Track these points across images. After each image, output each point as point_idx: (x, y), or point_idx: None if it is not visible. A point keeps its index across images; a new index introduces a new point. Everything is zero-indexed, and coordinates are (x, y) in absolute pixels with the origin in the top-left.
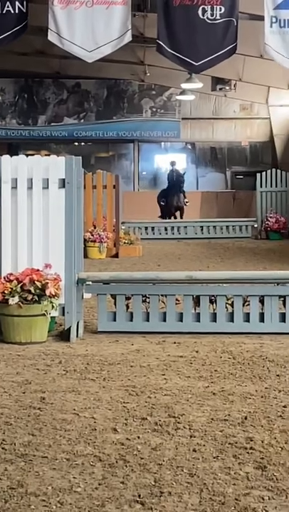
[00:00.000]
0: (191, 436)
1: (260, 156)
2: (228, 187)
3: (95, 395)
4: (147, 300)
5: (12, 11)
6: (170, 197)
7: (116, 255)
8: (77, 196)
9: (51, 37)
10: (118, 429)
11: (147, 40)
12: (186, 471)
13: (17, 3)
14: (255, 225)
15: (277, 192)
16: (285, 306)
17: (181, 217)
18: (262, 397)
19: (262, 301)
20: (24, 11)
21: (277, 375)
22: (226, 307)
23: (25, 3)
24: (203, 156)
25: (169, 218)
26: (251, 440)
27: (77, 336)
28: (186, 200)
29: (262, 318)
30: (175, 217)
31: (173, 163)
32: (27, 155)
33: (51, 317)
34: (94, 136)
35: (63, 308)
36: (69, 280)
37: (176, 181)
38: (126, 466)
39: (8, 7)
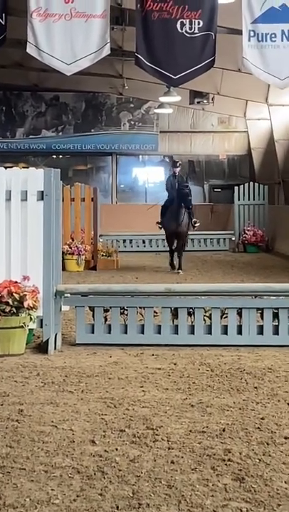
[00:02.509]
0: (169, 448)
1: (238, 170)
2: (206, 200)
3: (73, 407)
4: (125, 312)
5: None
6: (168, 217)
7: (94, 268)
8: (55, 209)
9: (30, 50)
10: (96, 441)
11: (126, 53)
12: (164, 482)
13: None
14: (233, 238)
15: (254, 205)
16: (262, 318)
17: (180, 248)
18: (240, 409)
19: (240, 314)
20: (3, 23)
21: (255, 387)
22: (204, 319)
23: (4, 15)
24: (181, 169)
25: (170, 250)
26: (229, 452)
27: (55, 348)
28: (194, 220)
29: (240, 331)
30: (173, 251)
31: (175, 164)
32: (5, 167)
33: (29, 329)
34: (72, 149)
35: (41, 320)
36: (47, 292)
37: (178, 192)
38: (104, 478)
39: None
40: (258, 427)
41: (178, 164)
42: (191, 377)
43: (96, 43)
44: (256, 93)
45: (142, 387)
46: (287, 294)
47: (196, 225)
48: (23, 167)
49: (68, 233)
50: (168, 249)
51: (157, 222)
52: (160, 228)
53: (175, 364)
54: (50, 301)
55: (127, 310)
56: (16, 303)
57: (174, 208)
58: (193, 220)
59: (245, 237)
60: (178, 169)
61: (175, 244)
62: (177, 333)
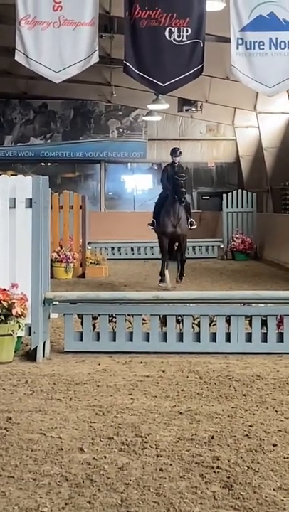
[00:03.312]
0: (157, 456)
1: (227, 177)
2: (195, 207)
3: (61, 414)
4: (114, 320)
5: None
6: (163, 215)
7: (82, 275)
8: (44, 216)
9: (18, 57)
10: (85, 449)
11: (114, 61)
12: (152, 490)
13: None
14: (221, 246)
15: (243, 212)
16: (251, 326)
17: (182, 253)
18: (228, 416)
19: (228, 321)
20: None
21: (244, 395)
22: (193, 327)
23: None
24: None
25: (170, 255)
26: (218, 459)
27: (43, 356)
28: (190, 220)
29: (228, 338)
30: (173, 254)
31: (175, 152)
32: None
33: (17, 337)
34: (60, 157)
35: (30, 328)
36: (36, 300)
37: (173, 185)
38: (93, 485)
39: None
40: (247, 435)
41: (178, 152)
42: (179, 385)
43: (84, 50)
44: (244, 101)
45: (130, 394)
46: (275, 302)
47: (193, 226)
48: (12, 174)
49: (57, 241)
50: (160, 256)
51: (149, 224)
52: (152, 227)
53: (164, 371)
54: (38, 309)
55: (115, 317)
56: (4, 310)
57: (169, 204)
58: (190, 220)
59: (233, 244)
60: (178, 158)
61: (174, 249)
62: (166, 341)
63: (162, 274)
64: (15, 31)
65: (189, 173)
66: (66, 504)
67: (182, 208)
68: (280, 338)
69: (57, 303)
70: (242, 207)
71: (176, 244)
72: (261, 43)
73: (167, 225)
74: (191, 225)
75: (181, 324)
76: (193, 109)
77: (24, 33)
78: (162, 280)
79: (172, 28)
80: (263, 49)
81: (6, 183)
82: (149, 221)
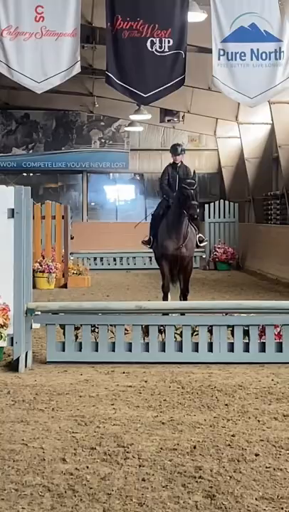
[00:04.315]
0: (140, 466)
1: (208, 187)
2: None
3: (43, 425)
4: (96, 330)
5: None
6: (163, 231)
7: (65, 286)
8: (26, 226)
9: (0, 67)
10: (67, 459)
11: (96, 71)
12: (135, 500)
13: None
14: (204, 256)
15: (225, 223)
16: (233, 335)
17: (186, 284)
18: (211, 426)
19: (210, 331)
20: None
21: (226, 405)
22: (175, 337)
23: None
24: (151, 187)
25: (165, 281)
26: (200, 469)
27: (25, 366)
28: (199, 235)
29: (210, 348)
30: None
31: (176, 150)
32: None
33: None
34: (42, 167)
35: (12, 338)
36: (18, 310)
37: (181, 196)
38: (75, 496)
39: None
40: (229, 444)
41: (179, 150)
42: (162, 395)
43: (66, 61)
44: (226, 111)
45: (112, 404)
46: (257, 312)
47: (203, 243)
48: None
49: (39, 251)
50: (161, 281)
51: (144, 242)
52: (148, 245)
53: (146, 381)
54: (20, 319)
55: (97, 328)
56: None
57: (173, 217)
58: (199, 235)
59: (215, 254)
60: (180, 157)
61: (175, 276)
62: (148, 351)
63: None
64: None
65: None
66: None
67: (188, 221)
68: (262, 348)
69: (39, 313)
70: (224, 217)
71: (178, 268)
72: (243, 54)
73: (168, 245)
74: (201, 242)
75: (163, 334)
76: (176, 119)
77: (6, 44)
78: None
79: (154, 39)
80: (245, 60)
81: None
82: (139, 235)
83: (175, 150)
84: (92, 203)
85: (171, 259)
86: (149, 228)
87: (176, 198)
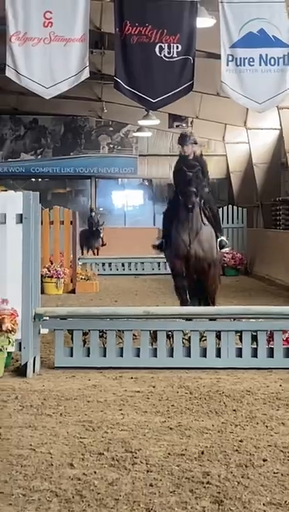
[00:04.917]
0: (147, 471)
1: (217, 193)
2: None
3: (51, 430)
4: (104, 335)
5: None
6: (174, 229)
7: (73, 291)
8: (34, 232)
9: (9, 73)
10: (75, 465)
11: (105, 76)
12: (142, 505)
13: None
14: None
15: (233, 228)
16: (241, 341)
17: (209, 295)
18: (218, 431)
19: (218, 337)
20: None
21: (234, 410)
22: (183, 342)
23: None
24: (160, 193)
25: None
26: (208, 475)
27: (33, 372)
28: (220, 239)
29: (218, 354)
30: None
31: (184, 140)
32: None
33: (7, 352)
34: (51, 172)
35: (20, 343)
36: (26, 315)
37: (181, 183)
38: (82, 501)
39: None
40: (237, 450)
41: (188, 139)
42: (170, 400)
43: (75, 66)
44: (235, 117)
45: (120, 410)
46: (265, 317)
47: (225, 249)
48: (2, 190)
49: (47, 256)
50: (174, 291)
51: (154, 246)
52: (159, 247)
53: (154, 387)
54: (28, 324)
55: (105, 333)
56: None
57: (180, 210)
58: (221, 238)
59: (224, 260)
60: (189, 148)
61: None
62: (156, 356)
63: None
64: (5, 47)
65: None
66: None
67: (200, 216)
68: (270, 353)
69: (47, 318)
70: (232, 222)
71: (195, 275)
72: (251, 60)
73: (177, 243)
74: (222, 247)
75: (171, 339)
76: (184, 125)
77: (15, 49)
78: None
79: (162, 45)
80: (253, 65)
81: None
82: (147, 240)
83: (184, 140)
84: (101, 209)
85: (183, 259)
86: (162, 227)
87: (180, 189)
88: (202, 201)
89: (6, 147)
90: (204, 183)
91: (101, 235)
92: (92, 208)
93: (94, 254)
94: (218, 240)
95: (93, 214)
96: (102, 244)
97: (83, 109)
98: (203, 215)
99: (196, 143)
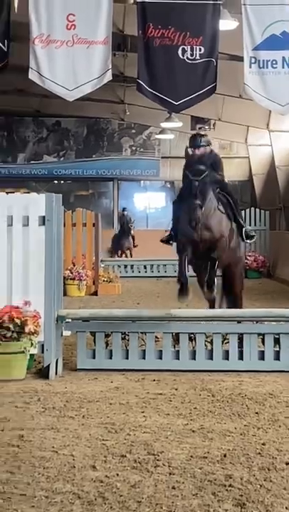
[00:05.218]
0: (170, 474)
1: (239, 195)
2: None
3: (74, 432)
4: (127, 338)
5: None
6: (181, 215)
7: (95, 293)
8: (57, 234)
9: (32, 75)
10: (97, 467)
11: (127, 79)
12: (165, 508)
13: None
14: None
15: (256, 231)
16: (263, 343)
17: (231, 285)
18: (241, 434)
19: (241, 339)
20: (5, 50)
21: (256, 413)
22: (205, 345)
23: (6, 42)
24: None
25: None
26: (230, 477)
27: (56, 374)
28: (246, 227)
29: (241, 356)
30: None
31: (195, 141)
32: (7, 192)
33: (30, 354)
34: (73, 175)
35: (42, 345)
36: (48, 317)
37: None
38: (105, 503)
39: None
40: (259, 453)
41: (199, 141)
42: (192, 403)
43: (98, 69)
44: (257, 119)
45: (143, 412)
46: (288, 320)
47: (250, 240)
48: (25, 192)
49: (69, 258)
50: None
51: (163, 240)
52: (170, 244)
53: (176, 389)
54: (51, 326)
55: (128, 335)
56: (17, 328)
57: (187, 202)
58: (246, 227)
59: (246, 262)
60: (200, 150)
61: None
62: (178, 359)
63: None
64: (28, 50)
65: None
66: None
67: (210, 196)
68: None
69: (70, 320)
70: (255, 225)
71: (210, 263)
72: (274, 62)
73: (183, 229)
74: (248, 237)
75: (193, 342)
76: (206, 127)
77: (38, 52)
78: None
79: (185, 47)
80: (276, 68)
81: (19, 201)
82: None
83: (194, 141)
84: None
85: (189, 245)
86: (172, 221)
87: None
88: (217, 188)
89: (28, 149)
90: (218, 174)
91: (132, 233)
92: (125, 207)
93: (126, 256)
94: (244, 229)
95: (125, 213)
96: (134, 246)
97: (106, 111)
98: (218, 202)
99: (208, 144)
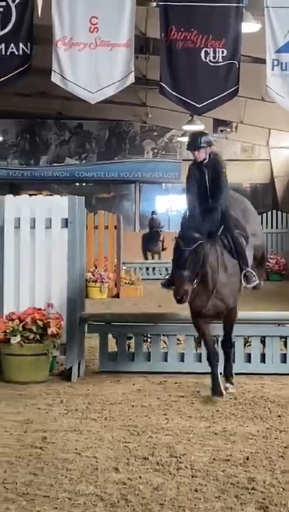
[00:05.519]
0: (192, 476)
1: (261, 198)
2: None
3: (96, 434)
4: (148, 340)
5: (16, 53)
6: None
7: (117, 295)
8: (79, 236)
9: (54, 78)
10: (120, 469)
11: (149, 82)
12: (188, 511)
13: (21, 44)
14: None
15: (277, 233)
16: (285, 346)
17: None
18: (263, 437)
19: (263, 342)
20: (28, 52)
21: (279, 416)
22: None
23: (29, 44)
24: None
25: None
26: (253, 480)
27: (78, 376)
28: (255, 282)
29: (263, 359)
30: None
31: (194, 143)
32: (29, 195)
33: (53, 356)
34: (95, 177)
35: (65, 347)
36: (71, 320)
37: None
38: (128, 505)
39: (12, 48)
40: (282, 456)
41: (199, 142)
42: (214, 405)
43: (120, 71)
44: (279, 121)
45: (165, 414)
46: None
47: (252, 284)
48: (47, 195)
49: (91, 261)
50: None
51: (164, 284)
52: (171, 289)
53: (198, 392)
54: (73, 329)
55: (150, 338)
56: (39, 330)
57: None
58: (246, 269)
59: (268, 265)
60: (202, 152)
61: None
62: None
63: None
64: (51, 52)
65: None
66: None
67: (216, 254)
68: None
69: (92, 323)
70: (276, 227)
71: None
72: None
73: (193, 301)
74: (249, 281)
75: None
76: (228, 129)
77: (60, 54)
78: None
79: (208, 49)
80: None
81: (42, 203)
82: None
83: (193, 143)
84: (145, 213)
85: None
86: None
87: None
88: (222, 227)
89: (50, 152)
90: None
91: (161, 238)
92: (154, 211)
93: (153, 258)
94: (242, 272)
95: (154, 216)
96: (163, 249)
97: (128, 114)
98: (222, 246)
99: (209, 145)
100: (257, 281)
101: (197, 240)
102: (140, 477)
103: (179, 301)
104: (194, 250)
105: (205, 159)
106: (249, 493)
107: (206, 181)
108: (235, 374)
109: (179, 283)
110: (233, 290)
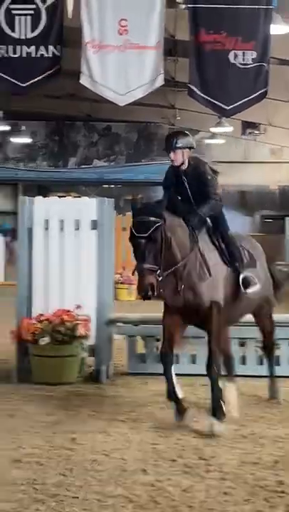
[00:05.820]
0: (222, 479)
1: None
2: (257, 230)
3: (124, 436)
4: None
5: (46, 55)
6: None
7: None
8: (108, 238)
9: (83, 80)
10: (148, 471)
11: (178, 84)
12: None
13: (51, 47)
14: (285, 269)
15: None
16: None
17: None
18: None
19: None
20: (58, 55)
21: None
22: (256, 350)
23: (59, 47)
24: (231, 200)
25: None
26: (282, 484)
27: (106, 377)
28: (243, 274)
29: None
30: None
31: (170, 143)
32: (59, 196)
33: (81, 358)
34: (123, 179)
35: (93, 349)
36: (99, 321)
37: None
38: (157, 507)
39: (41, 51)
40: None
41: (176, 143)
42: (242, 408)
43: (149, 73)
44: None
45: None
46: None
47: (250, 289)
48: (75, 196)
49: (119, 263)
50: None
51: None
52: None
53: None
54: (102, 330)
55: None
56: (68, 331)
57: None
58: (244, 275)
59: None
60: (178, 154)
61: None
62: None
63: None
64: (80, 54)
65: (252, 197)
66: None
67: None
68: None
69: (120, 324)
70: None
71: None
72: None
73: (166, 291)
74: (246, 286)
75: (244, 347)
76: (257, 132)
77: (90, 56)
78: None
79: (237, 52)
80: None
81: (71, 205)
82: None
83: (168, 143)
84: None
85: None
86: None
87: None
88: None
89: (79, 153)
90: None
91: None
92: None
93: None
94: (242, 275)
95: None
96: None
97: (156, 116)
98: (210, 243)
99: (189, 147)
100: (257, 284)
101: (152, 223)
102: (169, 479)
103: (145, 297)
104: (150, 236)
105: (183, 164)
106: (278, 496)
107: (187, 191)
108: (263, 377)
109: (140, 277)
110: (212, 287)
